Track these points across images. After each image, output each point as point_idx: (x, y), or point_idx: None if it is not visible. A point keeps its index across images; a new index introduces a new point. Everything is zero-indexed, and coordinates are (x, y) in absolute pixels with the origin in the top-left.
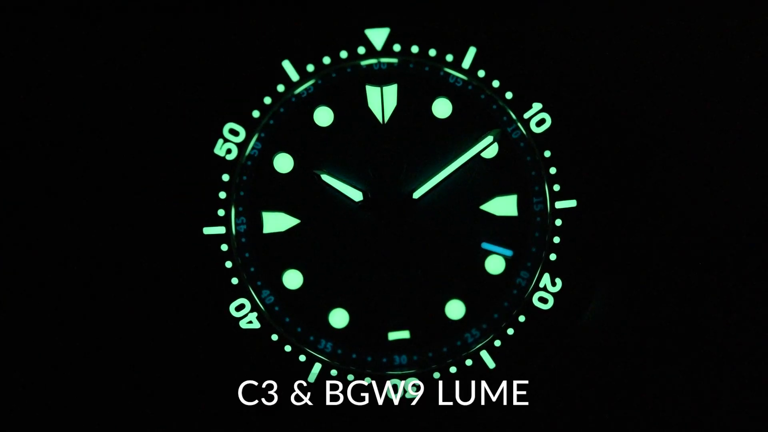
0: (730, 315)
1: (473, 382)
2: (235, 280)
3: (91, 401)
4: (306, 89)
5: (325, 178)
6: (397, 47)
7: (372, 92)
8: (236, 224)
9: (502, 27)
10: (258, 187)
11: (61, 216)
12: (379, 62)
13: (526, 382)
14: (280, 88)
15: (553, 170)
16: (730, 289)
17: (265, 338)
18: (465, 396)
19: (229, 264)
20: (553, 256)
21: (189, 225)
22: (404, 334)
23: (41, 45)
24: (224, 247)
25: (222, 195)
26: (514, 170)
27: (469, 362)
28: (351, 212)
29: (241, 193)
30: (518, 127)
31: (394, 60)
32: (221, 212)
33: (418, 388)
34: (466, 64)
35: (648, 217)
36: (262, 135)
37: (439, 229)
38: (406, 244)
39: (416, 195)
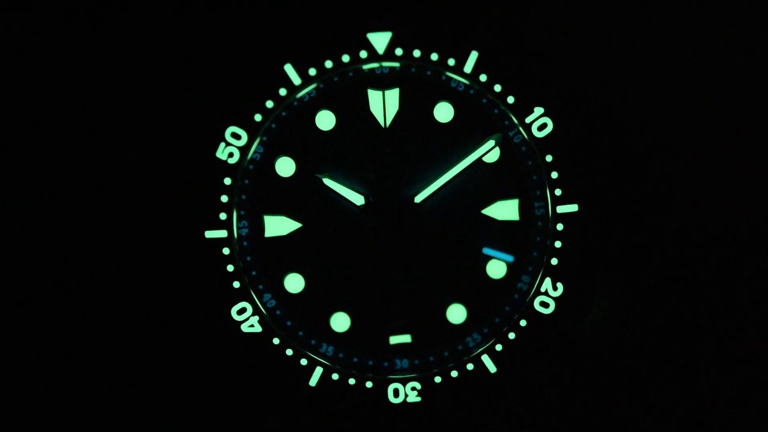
0: (732, 318)
1: (475, 387)
2: (236, 284)
3: (93, 404)
4: (308, 93)
5: (327, 182)
6: (399, 51)
7: (374, 96)
8: (238, 228)
9: (504, 31)
10: (260, 191)
11: (64, 218)
12: (381, 66)
13: (528, 386)
14: (282, 91)
15: (554, 174)
16: (732, 292)
17: (267, 342)
18: (466, 400)
19: (230, 267)
20: (554, 261)
21: (191, 228)
22: (405, 338)
23: (44, 49)
24: (226, 251)
25: (224, 198)
26: (515, 175)
27: (470, 366)
28: (353, 216)
29: (243, 197)
30: (520, 132)
31: (397, 64)
32: (223, 216)
33: (419, 392)
34: (468, 68)
35: (650, 221)
36: (264, 139)
37: (441, 233)
38: (408, 248)
39: (418, 199)
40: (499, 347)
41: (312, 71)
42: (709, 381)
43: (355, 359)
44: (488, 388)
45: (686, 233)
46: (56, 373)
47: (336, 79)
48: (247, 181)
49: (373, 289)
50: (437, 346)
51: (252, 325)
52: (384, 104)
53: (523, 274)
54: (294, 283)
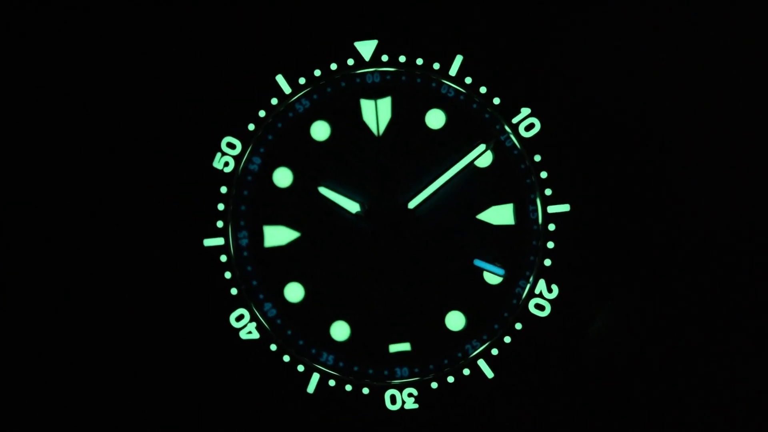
0: (729, 316)
1: (472, 392)
2: (234, 291)
3: (92, 412)
4: (303, 105)
5: (323, 191)
6: (384, 58)
7: (366, 106)
8: (238, 238)
9: (488, 34)
10: (258, 202)
11: (63, 226)
12: (373, 75)
13: (525, 390)
14: (274, 101)
15: (544, 174)
16: (728, 289)
17: (265, 348)
18: (463, 406)
19: (228, 275)
20: (548, 262)
21: (189, 237)
22: (405, 347)
23: (46, 59)
24: (223, 258)
25: (221, 207)
26: (509, 179)
27: (467, 372)
28: (350, 225)
29: (242, 208)
30: (509, 136)
31: (392, 69)
32: (220, 224)
33: (416, 398)
34: (453, 71)
35: (643, 218)
36: (262, 150)
37: (437, 239)
38: (405, 255)
39: (411, 205)
40: (495, 351)
41: (302, 80)
42: (708, 381)
43: (356, 368)
44: (485, 393)
45: (680, 229)
46: (55, 379)
47: (329, 90)
48: (246, 192)
49: (372, 297)
50: (437, 354)
51: (250, 332)
52: (377, 113)
53: (521, 279)
54: (294, 292)
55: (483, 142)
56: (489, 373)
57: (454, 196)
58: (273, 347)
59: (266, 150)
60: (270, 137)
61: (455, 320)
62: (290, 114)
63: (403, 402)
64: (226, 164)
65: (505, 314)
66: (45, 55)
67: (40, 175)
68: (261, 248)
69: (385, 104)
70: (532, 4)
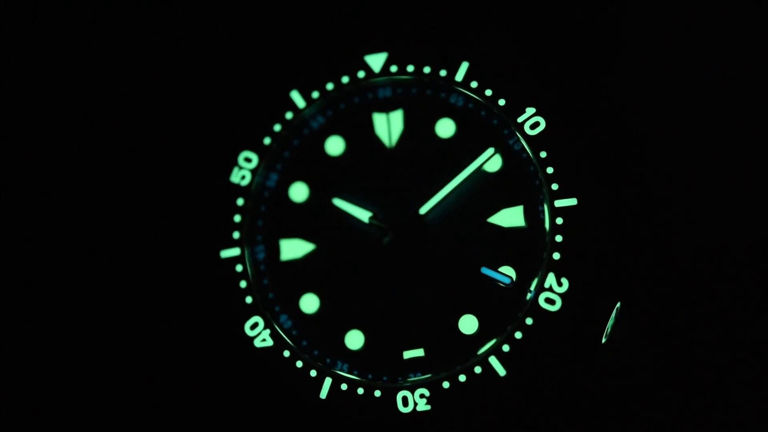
0: (735, 312)
1: (484, 390)
2: (249, 299)
3: (105, 419)
4: (317, 120)
5: (338, 202)
6: (393, 69)
7: (378, 119)
8: (255, 252)
9: (492, 38)
10: (275, 216)
11: (83, 234)
12: (385, 89)
13: (537, 386)
14: (289, 115)
15: (550, 170)
16: (731, 283)
17: (278, 356)
18: (476, 404)
19: (243, 284)
20: (556, 256)
21: (207, 247)
22: (419, 353)
23: (67, 73)
24: (239, 268)
25: (237, 219)
26: (518, 181)
27: (478, 370)
28: (364, 236)
29: (260, 223)
30: (518, 139)
31: (403, 77)
32: (236, 235)
33: (428, 399)
34: (460, 77)
35: (650, 212)
36: (278, 167)
37: (448, 244)
38: (417, 261)
39: (422, 210)
40: (506, 348)
41: (315, 94)
42: (716, 377)
43: (370, 375)
44: (498, 391)
45: (686, 222)
46: (71, 388)
47: (342, 106)
48: (263, 208)
49: (385, 304)
50: (451, 359)
51: (264, 340)
52: (389, 126)
53: (532, 278)
54: (309, 303)
55: (491, 146)
56: (501, 371)
57: (465, 201)
58: (286, 354)
59: (283, 166)
60: (286, 153)
61: (468, 324)
62: (306, 131)
63: (415, 404)
64: (243, 178)
65: (519, 315)
66: (67, 69)
67: (62, 189)
68: (278, 261)
69: (397, 117)
70: (532, 3)
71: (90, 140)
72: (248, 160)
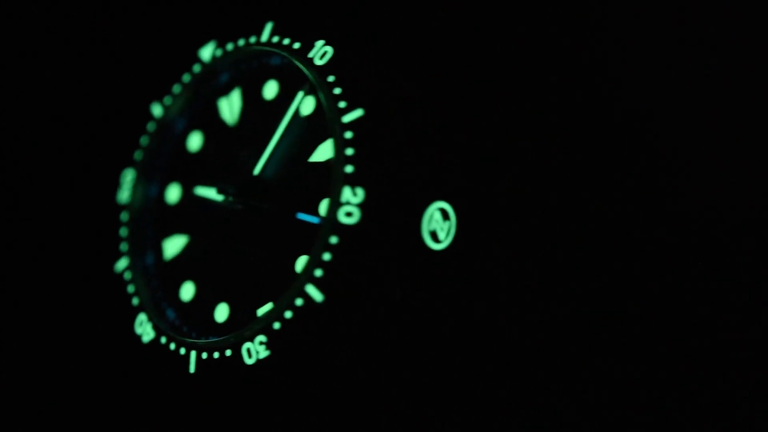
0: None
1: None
2: (135, 300)
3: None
4: (180, 123)
5: (198, 191)
6: (219, 53)
7: (223, 104)
8: (145, 258)
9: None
10: (158, 221)
11: None
12: (223, 73)
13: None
14: (151, 126)
15: (337, 90)
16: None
17: (159, 345)
18: (309, 334)
19: (131, 288)
20: (349, 169)
21: (99, 260)
22: (269, 306)
23: None
24: (127, 276)
25: (123, 232)
26: (325, 117)
27: (299, 302)
28: (225, 215)
29: (146, 230)
30: (310, 71)
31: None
32: (124, 246)
33: (266, 345)
34: (265, 37)
35: (439, 114)
36: (154, 176)
37: (282, 195)
38: (262, 221)
39: (256, 171)
40: (319, 272)
41: (168, 101)
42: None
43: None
44: (322, 316)
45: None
46: None
47: (194, 102)
48: (146, 215)
49: (244, 271)
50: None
51: (148, 334)
52: (230, 107)
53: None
54: (187, 291)
55: (300, 90)
56: (318, 296)
57: (291, 150)
58: (163, 340)
59: (157, 174)
60: (159, 162)
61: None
62: (170, 136)
63: (257, 352)
64: (127, 194)
65: (320, 231)
66: None
67: None
68: (161, 261)
69: (236, 96)
70: None
71: None
72: (129, 176)
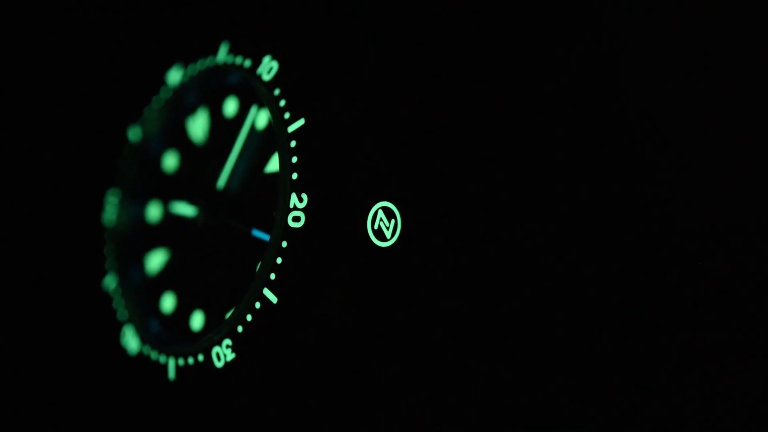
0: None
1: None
2: (123, 314)
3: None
4: (156, 144)
5: (173, 208)
6: (178, 76)
7: (191, 123)
8: (129, 273)
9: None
10: (141, 238)
11: None
12: (190, 93)
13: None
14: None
15: (282, 102)
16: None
17: (144, 356)
18: (268, 335)
19: (117, 301)
20: (294, 176)
21: (87, 276)
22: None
23: None
24: (113, 290)
25: (107, 250)
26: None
27: (258, 305)
28: (195, 227)
29: (129, 247)
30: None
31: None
32: (109, 262)
33: (232, 347)
34: (221, 58)
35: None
36: (140, 196)
37: (241, 206)
38: (229, 230)
39: (219, 185)
40: (272, 276)
41: (148, 126)
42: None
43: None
44: (276, 319)
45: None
46: None
47: (165, 124)
48: (128, 233)
49: (215, 277)
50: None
51: (133, 345)
52: (198, 126)
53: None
54: (168, 302)
55: (254, 105)
56: (273, 299)
57: (248, 162)
58: (146, 350)
59: (140, 194)
60: (140, 183)
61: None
62: (147, 156)
63: (225, 356)
64: (111, 215)
65: (267, 237)
66: None
67: None
68: (144, 276)
69: (203, 115)
70: None
71: None
72: (112, 198)
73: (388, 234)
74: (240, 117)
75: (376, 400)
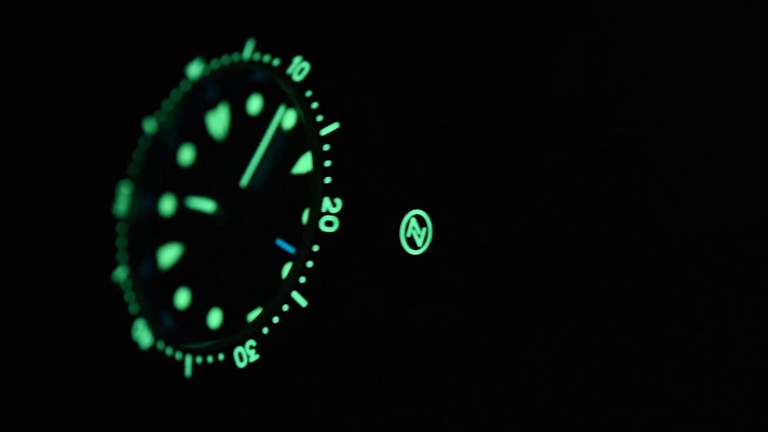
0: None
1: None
2: (135, 308)
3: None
4: (172, 137)
5: (189, 203)
6: (199, 69)
7: (211, 118)
8: (138, 266)
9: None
10: (153, 231)
11: None
12: (212, 88)
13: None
14: (144, 142)
15: (315, 105)
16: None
17: (157, 352)
18: (294, 338)
19: (130, 296)
20: (327, 180)
21: (97, 269)
22: (258, 311)
23: None
24: (124, 283)
25: (122, 242)
26: (305, 129)
27: (285, 307)
28: (213, 223)
29: (142, 241)
30: (292, 88)
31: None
32: (121, 255)
33: (256, 349)
34: (247, 54)
35: (409, 126)
36: (149, 188)
37: (266, 205)
38: (251, 230)
39: (243, 183)
40: (302, 279)
41: (162, 117)
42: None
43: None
44: (307, 321)
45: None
46: None
47: (181, 116)
48: (142, 226)
49: (236, 277)
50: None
51: (146, 340)
52: (218, 121)
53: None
54: (183, 298)
55: (281, 104)
56: (302, 302)
57: (275, 162)
58: (160, 346)
59: (153, 186)
60: (153, 175)
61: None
62: (163, 150)
63: (248, 356)
64: (123, 206)
65: (302, 240)
66: None
67: None
68: (157, 269)
69: (224, 110)
70: None
71: None
72: (125, 189)
73: (419, 242)
74: (265, 115)
75: (403, 406)
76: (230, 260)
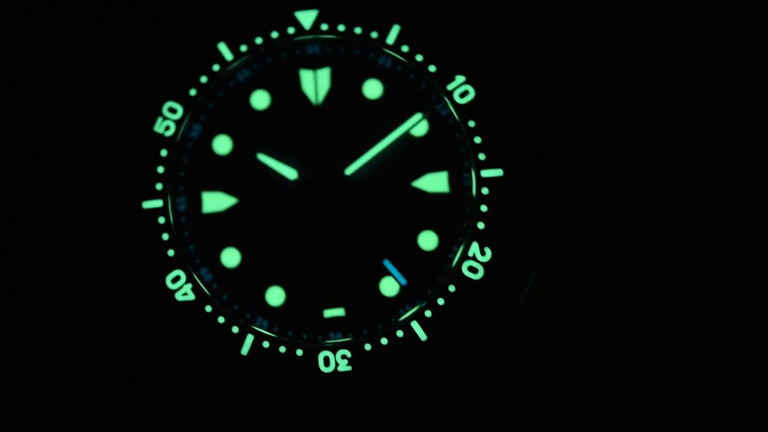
0: (662, 285)
1: (405, 354)
2: (171, 252)
3: (28, 375)
4: (243, 74)
5: (262, 158)
6: (324, 27)
7: (306, 76)
8: (177, 203)
9: (425, 3)
10: (198, 168)
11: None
12: (313, 46)
13: (457, 353)
14: (216, 67)
15: (478, 140)
16: (657, 258)
17: (200, 310)
18: (396, 367)
19: (166, 236)
20: (481, 225)
21: (128, 199)
22: (339, 312)
23: None
24: (161, 220)
25: (160, 170)
26: (444, 147)
27: (400, 333)
28: (288, 192)
29: (182, 174)
30: (446, 104)
31: (332, 36)
32: (159, 186)
33: (349, 360)
34: (391, 40)
35: (574, 184)
36: (202, 118)
37: (372, 206)
38: (341, 222)
39: (348, 171)
40: (428, 313)
41: (243, 47)
42: (635, 348)
43: (290, 332)
44: (418, 355)
45: (612, 195)
46: None
47: (269, 60)
48: (185, 159)
49: (307, 262)
50: (371, 319)
51: (186, 294)
52: (316, 83)
53: (455, 245)
54: (231, 257)
55: (419, 111)
56: (422, 335)
57: (391, 164)
58: (208, 309)
59: (207, 117)
60: (211, 105)
61: (389, 286)
62: (231, 83)
63: (337, 364)
64: (167, 128)
65: (438, 279)
66: None
67: None
68: (199, 214)
69: (325, 75)
70: None
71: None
72: (173, 110)
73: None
74: (383, 106)
75: None
76: (303, 239)
